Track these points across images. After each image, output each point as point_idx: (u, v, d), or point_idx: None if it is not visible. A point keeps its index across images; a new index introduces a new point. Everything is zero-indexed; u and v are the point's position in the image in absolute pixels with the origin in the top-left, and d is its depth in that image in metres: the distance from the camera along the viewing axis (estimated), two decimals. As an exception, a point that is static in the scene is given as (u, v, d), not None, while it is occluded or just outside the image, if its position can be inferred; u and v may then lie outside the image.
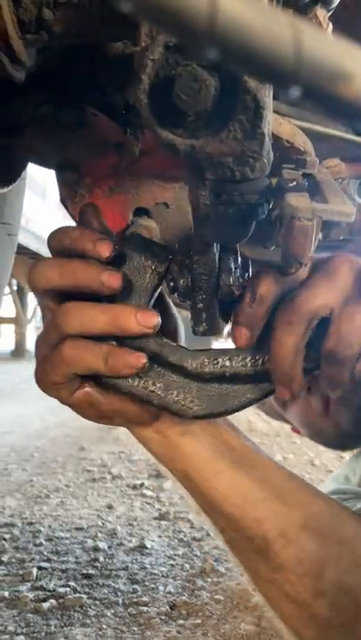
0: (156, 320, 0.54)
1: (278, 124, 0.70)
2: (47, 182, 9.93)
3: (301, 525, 0.60)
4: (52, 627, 1.23)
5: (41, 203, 10.06)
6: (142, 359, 0.54)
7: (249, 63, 0.16)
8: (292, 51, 0.15)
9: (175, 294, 0.62)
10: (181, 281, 0.60)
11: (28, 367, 9.18)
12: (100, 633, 1.21)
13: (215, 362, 0.59)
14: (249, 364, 0.59)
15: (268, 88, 0.43)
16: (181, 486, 0.66)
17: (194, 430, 0.63)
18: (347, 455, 2.77)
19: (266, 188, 0.49)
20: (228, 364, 0.59)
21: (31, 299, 11.51)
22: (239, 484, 0.61)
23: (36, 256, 9.67)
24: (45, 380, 0.57)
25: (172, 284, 0.60)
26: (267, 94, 0.43)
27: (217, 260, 0.59)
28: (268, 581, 0.62)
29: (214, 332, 0.61)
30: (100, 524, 1.88)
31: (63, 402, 0.61)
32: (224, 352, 0.59)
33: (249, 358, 0.59)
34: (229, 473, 0.62)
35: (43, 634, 1.20)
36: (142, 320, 0.53)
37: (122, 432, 3.50)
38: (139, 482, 2.36)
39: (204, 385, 0.58)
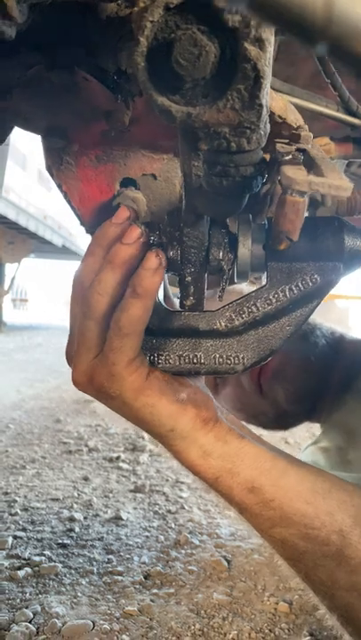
0: (125, 212, 0.59)
1: (271, 98, 0.69)
2: (28, 153, 9.75)
3: None
4: (27, 594, 1.24)
5: (21, 172, 9.85)
6: (153, 257, 0.55)
7: (278, 17, 0.15)
8: (321, 6, 0.14)
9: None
10: (171, 253, 0.59)
11: (5, 339, 9.08)
12: (74, 600, 1.22)
13: (242, 312, 0.59)
14: (274, 300, 0.59)
15: (268, 57, 0.42)
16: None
17: (246, 435, 0.62)
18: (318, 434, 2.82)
19: (261, 161, 0.48)
20: (254, 309, 0.59)
21: (8, 271, 11.34)
22: (306, 479, 0.60)
23: (14, 226, 9.51)
24: (118, 367, 0.57)
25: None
26: (267, 63, 0.42)
27: (207, 233, 0.59)
28: (348, 589, 0.59)
29: (202, 306, 0.61)
30: (76, 495, 1.89)
31: (136, 394, 0.58)
32: (247, 299, 0.59)
33: (272, 294, 0.59)
34: (294, 469, 0.60)
35: (18, 600, 1.21)
36: (115, 220, 0.58)
37: (99, 405, 3.50)
38: (115, 455, 2.38)
39: (242, 337, 0.59)
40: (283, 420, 1.30)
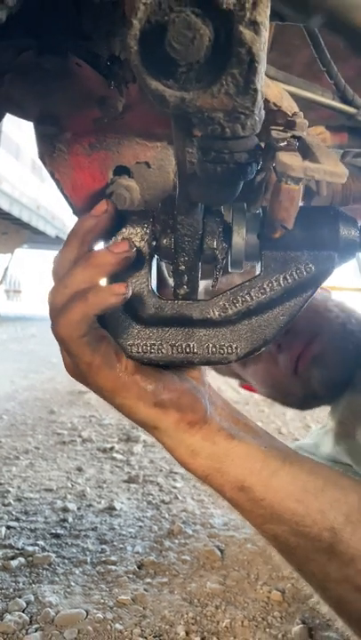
0: (104, 205, 0.58)
1: (266, 85, 0.68)
2: (21, 142, 9.67)
3: (359, 507, 0.59)
4: (21, 583, 1.24)
5: (14, 162, 9.78)
6: (123, 287, 0.55)
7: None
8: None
9: (157, 255, 0.61)
10: (164, 241, 0.59)
11: (-2, 329, 8.99)
12: (68, 590, 1.23)
13: (235, 301, 0.59)
14: (268, 289, 0.59)
15: (263, 41, 0.41)
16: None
17: (238, 433, 0.61)
18: (313, 425, 2.83)
19: (256, 148, 0.47)
20: (248, 298, 0.59)
21: (1, 262, 11.28)
22: (298, 478, 0.60)
23: (7, 216, 9.45)
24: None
25: (154, 243, 0.59)
26: (262, 47, 0.41)
27: (201, 221, 0.58)
28: (340, 581, 0.59)
29: (196, 295, 0.61)
30: (70, 485, 1.89)
31: (111, 394, 0.59)
32: (240, 289, 0.59)
33: (266, 283, 0.59)
34: (286, 469, 0.60)
35: (11, 590, 1.21)
36: (94, 212, 0.58)
37: (93, 397, 3.50)
38: (109, 445, 2.38)
39: (235, 326, 0.59)
40: (308, 402, 1.33)
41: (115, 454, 2.27)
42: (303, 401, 1.31)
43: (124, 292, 0.55)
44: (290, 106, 0.77)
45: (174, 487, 1.91)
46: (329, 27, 0.15)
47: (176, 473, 2.05)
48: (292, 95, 0.81)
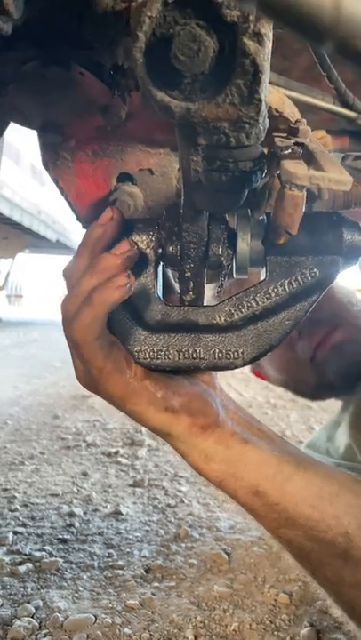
0: (109, 212, 0.59)
1: (268, 92, 0.69)
2: (22, 147, 9.69)
3: None
4: (29, 589, 1.24)
5: (15, 167, 9.79)
6: (123, 278, 0.56)
7: (287, 17, 0.15)
8: (329, 5, 0.14)
9: (162, 262, 0.61)
10: (170, 248, 0.59)
11: (0, 335, 9.04)
12: (76, 595, 1.23)
13: (241, 306, 0.60)
14: (273, 294, 0.60)
15: (266, 52, 0.42)
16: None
17: (252, 438, 0.61)
18: (317, 427, 2.83)
19: (260, 156, 0.48)
20: (253, 303, 0.60)
21: (2, 266, 11.30)
22: (312, 484, 0.60)
23: (8, 221, 9.47)
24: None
25: (160, 250, 0.60)
26: (265, 58, 0.42)
27: (206, 228, 0.59)
28: (354, 586, 0.60)
29: (202, 302, 0.61)
30: (76, 490, 1.89)
31: (121, 401, 0.59)
32: (246, 294, 0.60)
33: (272, 288, 0.60)
34: (300, 474, 0.60)
35: (19, 596, 1.21)
36: (100, 220, 0.59)
37: (96, 401, 3.51)
38: (113, 450, 2.38)
39: (241, 331, 0.59)
40: (320, 392, 1.33)
41: (119, 458, 2.27)
42: (315, 390, 1.32)
43: (125, 282, 0.56)
44: (292, 112, 0.77)
45: (180, 491, 1.91)
46: (341, 54, 0.16)
47: (181, 477, 2.05)
48: (293, 100, 0.82)
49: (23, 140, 9.09)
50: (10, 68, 0.64)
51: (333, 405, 1.50)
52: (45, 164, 0.87)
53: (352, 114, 0.92)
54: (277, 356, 1.30)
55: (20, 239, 10.84)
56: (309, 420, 3.11)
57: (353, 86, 0.90)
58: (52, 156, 0.85)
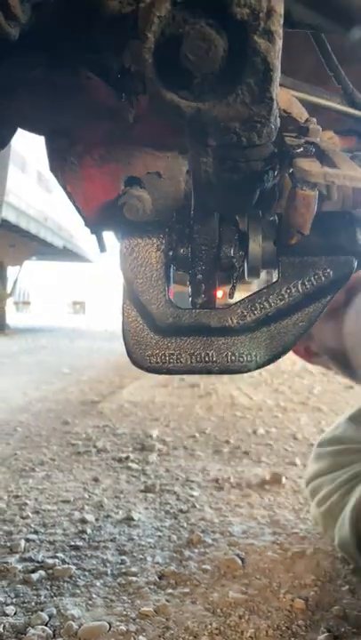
0: None
1: (276, 91, 0.68)
2: (27, 154, 9.75)
3: None
4: (42, 597, 1.24)
5: (20, 175, 9.86)
6: None
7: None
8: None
9: (173, 264, 0.61)
10: (181, 250, 0.59)
11: (9, 342, 9.09)
12: (90, 602, 1.22)
13: (253, 308, 0.59)
14: (286, 296, 0.59)
15: (277, 50, 0.42)
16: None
17: None
18: (327, 429, 2.81)
19: (271, 155, 0.47)
20: (266, 305, 0.59)
21: (10, 273, 11.35)
22: None
23: (15, 229, 9.52)
24: None
25: (171, 253, 0.59)
26: (276, 56, 0.42)
27: (218, 230, 0.58)
28: None
29: (213, 304, 0.61)
30: (87, 496, 1.89)
31: None
32: (258, 295, 0.59)
33: (285, 289, 0.59)
34: None
35: (33, 603, 1.21)
36: None
37: (105, 406, 3.50)
38: (124, 455, 2.37)
39: (254, 333, 0.59)
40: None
41: (130, 464, 2.26)
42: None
43: None
44: (300, 112, 0.77)
45: (191, 496, 1.90)
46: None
47: (192, 481, 2.04)
48: (301, 100, 0.81)
49: (29, 147, 9.14)
50: (17, 73, 0.64)
51: (343, 408, 1.49)
52: (53, 170, 0.86)
53: (359, 113, 0.91)
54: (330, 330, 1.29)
55: (27, 246, 10.90)
56: (320, 423, 3.08)
57: (357, 86, 0.89)
58: (60, 162, 0.85)
